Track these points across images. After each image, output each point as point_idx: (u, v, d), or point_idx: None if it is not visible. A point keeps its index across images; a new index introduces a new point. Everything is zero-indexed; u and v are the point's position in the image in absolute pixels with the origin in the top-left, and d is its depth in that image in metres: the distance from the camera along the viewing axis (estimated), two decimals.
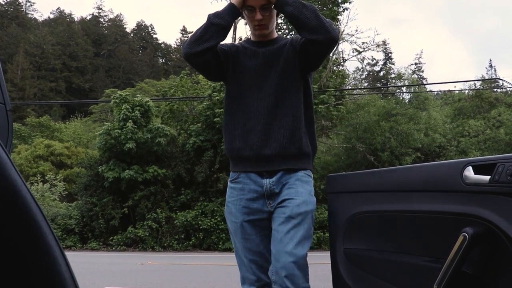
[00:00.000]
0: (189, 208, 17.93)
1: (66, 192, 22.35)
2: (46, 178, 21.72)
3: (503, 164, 1.21)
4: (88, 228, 18.05)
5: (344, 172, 1.88)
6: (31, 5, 64.74)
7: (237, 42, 19.95)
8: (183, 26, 75.62)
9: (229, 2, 2.00)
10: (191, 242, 17.33)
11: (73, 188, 21.11)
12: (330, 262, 1.75)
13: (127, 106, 16.74)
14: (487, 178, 1.25)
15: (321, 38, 1.81)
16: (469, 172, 1.30)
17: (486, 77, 33.83)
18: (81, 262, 11.39)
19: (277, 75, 1.95)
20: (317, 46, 1.85)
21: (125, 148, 16.49)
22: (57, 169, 25.84)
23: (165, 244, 17.31)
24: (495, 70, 40.10)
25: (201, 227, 16.96)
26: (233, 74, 2.01)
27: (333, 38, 1.84)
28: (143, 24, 69.28)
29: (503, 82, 31.84)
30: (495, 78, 33.04)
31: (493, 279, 1.20)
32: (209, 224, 16.85)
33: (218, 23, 1.92)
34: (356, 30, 32.77)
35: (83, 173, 19.25)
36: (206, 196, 17.87)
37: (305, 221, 1.60)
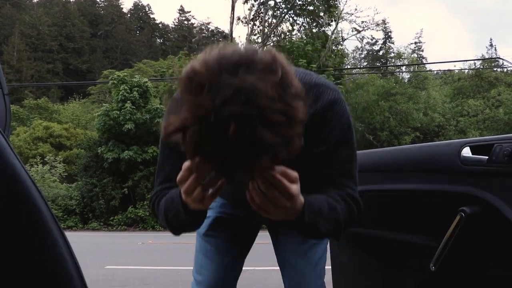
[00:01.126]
0: None
1: (66, 174, 22.41)
2: (45, 159, 21.76)
3: (500, 144, 1.22)
4: (88, 208, 18.15)
5: None
6: None
7: (234, 24, 19.72)
8: (181, 6, 74.87)
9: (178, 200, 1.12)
10: None
11: (73, 169, 21.17)
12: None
13: (125, 87, 16.69)
14: (484, 158, 1.26)
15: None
16: (467, 152, 1.31)
17: (486, 56, 33.64)
18: (82, 242, 11.48)
19: None
20: None
21: (124, 129, 16.49)
22: (56, 150, 25.85)
23: None
24: (495, 49, 39.87)
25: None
26: None
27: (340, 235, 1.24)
28: (140, 4, 68.45)
29: (503, 62, 31.68)
30: (495, 58, 32.88)
31: (488, 258, 1.22)
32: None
33: (188, 227, 1.25)
34: (356, 9, 32.38)
35: (82, 154, 19.28)
36: None
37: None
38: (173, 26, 66.76)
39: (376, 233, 1.59)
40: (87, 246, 10.45)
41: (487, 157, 1.25)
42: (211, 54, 0.88)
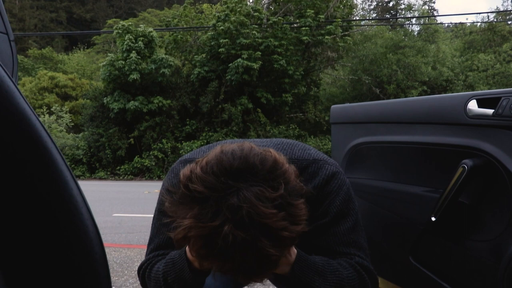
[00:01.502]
0: (194, 138, 18.13)
1: (72, 124, 22.57)
2: (52, 110, 21.86)
3: (508, 98, 1.21)
4: (95, 158, 18.39)
5: (348, 103, 1.88)
6: None
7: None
8: None
9: (183, 260, 1.09)
10: None
11: (79, 119, 21.28)
12: None
13: (130, 37, 16.47)
14: (490, 111, 1.25)
15: None
16: (473, 105, 1.30)
17: (501, 9, 32.64)
18: (90, 190, 11.71)
19: None
20: None
21: (130, 79, 16.42)
22: (62, 101, 25.89)
23: None
24: (511, 1, 38.59)
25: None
26: None
27: None
28: None
29: None
30: (510, 10, 31.89)
31: (488, 209, 1.24)
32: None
33: None
34: None
35: (88, 105, 19.33)
36: (211, 127, 18.01)
37: None
38: None
39: (379, 183, 1.61)
40: (95, 194, 10.67)
41: (493, 110, 1.24)
42: (210, 162, 0.89)
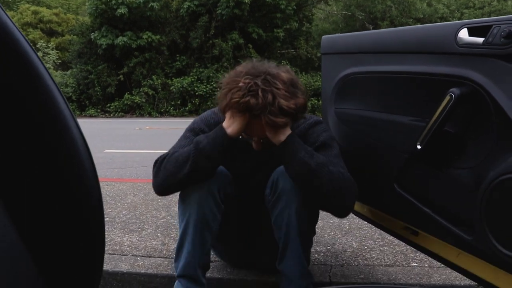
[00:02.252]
0: (185, 74, 17.94)
1: (59, 61, 22.11)
2: (37, 46, 21.30)
3: (499, 25, 1.20)
4: (85, 95, 18.21)
5: (339, 34, 1.85)
6: None
7: None
8: None
9: (220, 128, 1.52)
10: (187, 108, 17.65)
11: (67, 56, 20.86)
12: None
13: None
14: (481, 40, 1.24)
15: (329, 208, 1.59)
16: (464, 34, 1.28)
17: None
18: (81, 128, 11.68)
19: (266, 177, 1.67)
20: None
21: (117, 13, 15.94)
22: (48, 37, 25.17)
23: (162, 110, 17.67)
24: None
25: (197, 93, 17.18)
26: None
27: (338, 215, 1.63)
28: None
29: None
30: None
31: (472, 137, 1.26)
32: (204, 90, 17.03)
33: (206, 167, 1.52)
34: None
35: (75, 41, 18.87)
36: (201, 63, 17.78)
37: None
38: None
39: (368, 113, 1.63)
40: (86, 131, 10.53)
41: (483, 39, 1.23)
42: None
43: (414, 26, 1.51)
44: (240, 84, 1.44)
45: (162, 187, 1.58)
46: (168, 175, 1.53)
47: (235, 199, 1.71)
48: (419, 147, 1.35)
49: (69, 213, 0.58)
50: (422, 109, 1.40)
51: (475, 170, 1.24)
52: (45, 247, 0.57)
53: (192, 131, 1.71)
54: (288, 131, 1.50)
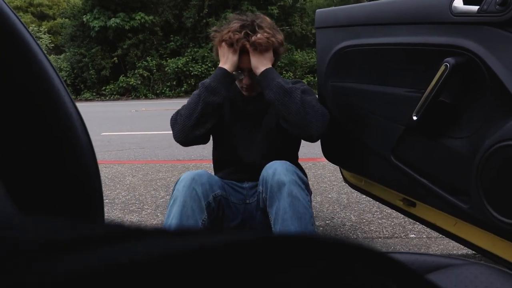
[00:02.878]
0: (179, 54, 17.81)
1: (52, 45, 21.90)
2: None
3: None
4: (79, 79, 18.10)
5: (333, 7, 1.83)
6: None
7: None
8: None
9: (219, 68, 1.77)
10: (183, 89, 17.58)
11: (59, 40, 20.66)
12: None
13: None
14: (475, 8, 1.23)
15: (300, 134, 1.73)
16: (459, 2, 1.27)
17: None
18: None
19: (263, 137, 1.91)
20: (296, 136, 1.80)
21: None
22: (39, 21, 24.87)
23: (158, 92, 17.59)
24: None
25: (192, 73, 17.09)
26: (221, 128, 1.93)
27: (311, 136, 1.71)
28: None
29: None
30: None
31: (467, 107, 1.26)
32: (200, 70, 16.94)
33: (214, 102, 1.72)
34: None
35: (67, 24, 18.66)
36: (196, 42, 17.64)
37: None
38: None
39: (364, 86, 1.62)
40: (82, 115, 10.61)
41: (478, 7, 1.22)
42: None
43: None
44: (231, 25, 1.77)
45: (181, 133, 1.73)
46: (184, 119, 1.72)
47: (229, 197, 1.84)
48: (415, 118, 1.35)
49: (66, 191, 0.58)
50: (418, 80, 1.39)
51: (471, 139, 1.24)
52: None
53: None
54: (269, 65, 1.76)
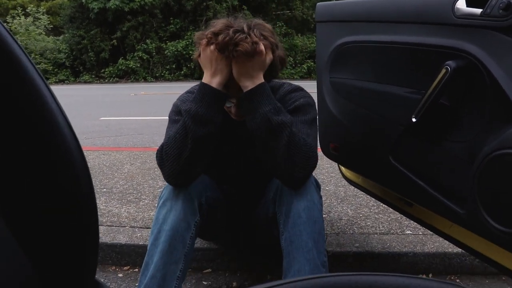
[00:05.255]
0: (179, 37, 17.69)
1: (51, 26, 21.69)
2: (27, 11, 20.81)
3: None
4: (78, 61, 17.99)
5: (334, 1, 1.81)
6: None
7: None
8: None
9: (203, 86, 1.41)
10: (182, 72, 17.52)
11: (58, 21, 20.48)
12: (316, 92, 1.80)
13: None
14: (478, 11, 1.21)
15: (275, 176, 1.51)
16: (462, 4, 1.25)
17: None
18: (75, 95, 11.60)
19: (254, 166, 1.66)
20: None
21: None
22: (38, 1, 24.59)
23: (157, 75, 17.52)
24: None
25: (192, 57, 16.97)
26: None
27: (287, 185, 1.46)
28: None
29: None
30: None
31: (467, 111, 1.25)
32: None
33: (207, 133, 1.38)
34: None
35: (66, 5, 18.49)
36: (195, 25, 17.50)
37: None
38: None
39: (363, 84, 1.61)
40: (81, 99, 10.58)
41: (481, 10, 1.20)
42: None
43: None
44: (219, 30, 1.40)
45: (173, 176, 1.43)
46: (173, 160, 1.39)
47: (222, 202, 1.68)
48: (414, 119, 1.34)
49: (55, 190, 0.58)
50: (418, 81, 1.38)
51: (470, 144, 1.24)
52: (29, 225, 0.57)
53: (177, 113, 1.57)
54: (259, 79, 1.41)
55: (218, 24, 1.42)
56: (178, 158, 1.38)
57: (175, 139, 1.39)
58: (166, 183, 1.51)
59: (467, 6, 1.24)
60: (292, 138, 1.38)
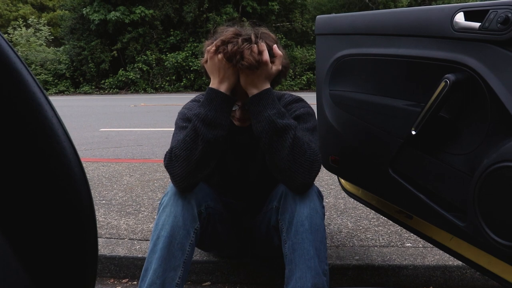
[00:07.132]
0: (179, 49, 17.78)
1: (52, 37, 21.81)
2: (28, 22, 20.94)
3: (496, 10, 1.17)
4: (79, 72, 18.06)
5: (334, 14, 1.82)
6: None
7: None
8: None
9: (211, 90, 1.48)
10: (182, 83, 17.58)
11: (59, 32, 20.59)
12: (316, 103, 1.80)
13: None
14: (477, 25, 1.22)
15: (280, 180, 1.52)
16: (460, 18, 1.26)
17: None
18: (75, 106, 11.62)
19: (258, 173, 1.72)
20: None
21: None
22: (39, 12, 24.79)
23: (157, 86, 17.57)
24: None
25: (191, 68, 17.08)
26: None
27: (291, 189, 1.50)
28: None
29: None
30: None
31: (466, 124, 1.26)
32: (199, 65, 16.88)
33: (217, 136, 1.44)
34: None
35: (67, 16, 18.60)
36: (195, 37, 17.61)
37: None
38: None
39: (362, 96, 1.61)
40: (80, 109, 10.60)
41: (479, 24, 1.21)
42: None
43: (409, 8, 1.48)
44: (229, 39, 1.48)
45: (182, 179, 1.44)
46: (183, 161, 1.42)
47: (222, 212, 1.70)
48: (414, 132, 1.35)
49: (56, 204, 0.57)
50: (418, 93, 1.38)
51: (470, 157, 1.24)
52: (27, 238, 0.56)
53: (184, 120, 1.63)
54: (265, 86, 1.49)
55: (228, 32, 1.49)
56: (188, 160, 1.42)
57: (185, 141, 1.44)
58: (166, 191, 1.53)
59: (466, 20, 1.25)
60: (297, 141, 1.44)
